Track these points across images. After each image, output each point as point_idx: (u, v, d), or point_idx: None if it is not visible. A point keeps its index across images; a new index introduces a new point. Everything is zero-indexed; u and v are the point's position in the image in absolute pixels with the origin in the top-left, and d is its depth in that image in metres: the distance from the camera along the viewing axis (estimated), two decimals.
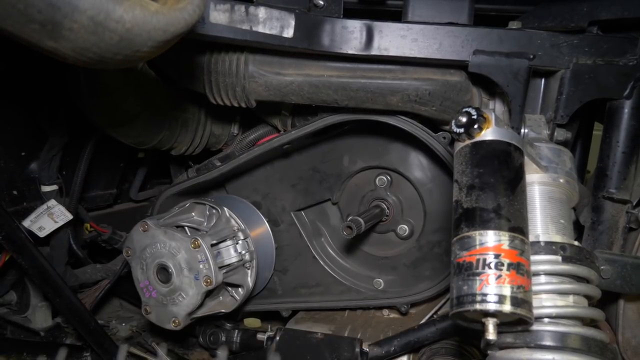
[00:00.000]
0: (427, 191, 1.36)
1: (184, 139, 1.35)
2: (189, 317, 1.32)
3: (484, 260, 0.69)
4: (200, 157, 1.53)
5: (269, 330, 1.31)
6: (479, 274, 0.68)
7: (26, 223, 1.21)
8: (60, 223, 1.24)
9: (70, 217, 1.27)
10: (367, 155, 1.39)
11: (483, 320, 0.70)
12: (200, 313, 1.35)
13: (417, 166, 1.34)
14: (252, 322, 1.77)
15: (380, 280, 1.45)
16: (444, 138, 1.16)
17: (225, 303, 1.42)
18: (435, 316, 1.37)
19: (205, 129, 1.38)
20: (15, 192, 1.25)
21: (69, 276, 1.43)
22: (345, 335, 1.37)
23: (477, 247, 0.70)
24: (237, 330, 1.57)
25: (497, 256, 0.68)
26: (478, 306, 0.67)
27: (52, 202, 1.25)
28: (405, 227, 1.41)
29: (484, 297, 0.67)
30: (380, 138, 1.35)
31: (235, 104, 1.13)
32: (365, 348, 1.18)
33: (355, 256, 1.50)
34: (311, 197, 1.46)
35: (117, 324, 1.59)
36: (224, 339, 1.55)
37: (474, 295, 0.67)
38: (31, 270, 1.09)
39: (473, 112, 0.78)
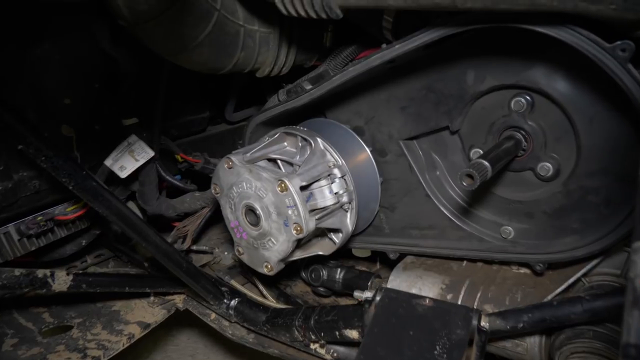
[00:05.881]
0: (585, 120, 0.98)
1: (266, 58, 1.12)
2: (282, 263, 1.19)
3: None
4: (295, 75, 1.30)
5: (369, 285, 1.14)
6: None
7: (108, 162, 1.13)
8: (142, 161, 1.15)
9: (151, 154, 1.17)
10: (501, 71, 1.03)
11: None
12: (296, 256, 1.22)
13: (573, 86, 0.97)
14: (361, 252, 1.63)
15: (510, 229, 1.16)
16: (623, 51, 0.77)
17: (323, 245, 1.27)
18: (582, 281, 1.07)
19: (291, 45, 1.13)
20: (97, 127, 1.16)
21: (165, 208, 1.38)
22: (462, 291, 1.15)
23: None
24: (339, 268, 1.44)
25: None
26: None
27: (133, 138, 1.14)
28: (549, 165, 1.07)
29: None
30: (519, 48, 0.98)
31: (314, 15, 0.85)
32: (485, 323, 0.95)
33: (479, 197, 1.21)
34: (424, 123, 1.17)
35: (220, 252, 1.56)
36: (325, 277, 1.44)
37: None
38: (111, 218, 1.02)
39: None
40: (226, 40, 0.99)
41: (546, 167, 1.08)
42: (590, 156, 1.01)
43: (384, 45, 1.03)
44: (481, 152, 1.14)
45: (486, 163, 0.92)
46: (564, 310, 0.93)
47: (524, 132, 1.07)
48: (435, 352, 0.87)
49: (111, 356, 1.30)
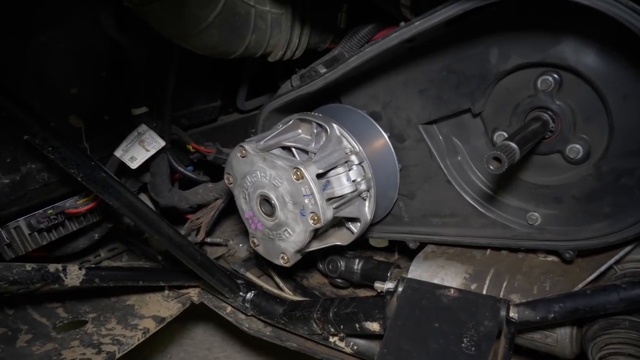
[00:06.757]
0: (618, 98, 0.92)
1: (278, 41, 1.07)
2: (298, 254, 1.16)
3: None
4: (308, 60, 1.25)
5: (389, 275, 1.10)
6: None
7: (118, 153, 1.10)
8: (152, 151, 1.11)
9: (162, 143, 1.13)
10: (527, 47, 0.97)
11: None
12: (313, 247, 1.19)
13: (606, 61, 0.91)
14: (378, 242, 1.58)
15: (537, 215, 1.11)
16: None
17: (341, 235, 1.23)
18: (614, 269, 1.02)
19: (304, 27, 1.09)
20: (106, 118, 1.13)
21: (178, 200, 1.35)
22: (487, 280, 1.10)
23: None
24: (357, 259, 1.39)
25: None
26: None
27: (143, 128, 1.11)
28: (578, 146, 1.01)
29: None
30: (547, 21, 0.93)
31: None
32: (514, 314, 0.90)
33: (503, 182, 1.15)
34: (445, 106, 1.12)
35: (235, 244, 1.52)
36: (343, 268, 1.40)
37: None
38: (122, 210, 0.99)
39: None
40: (237, 21, 0.94)
41: (575, 149, 1.02)
42: (623, 136, 0.95)
43: (402, 24, 0.98)
44: (505, 135, 1.09)
45: (514, 145, 0.87)
46: (599, 299, 0.88)
47: (551, 113, 1.02)
48: (463, 345, 0.83)
49: (126, 351, 1.28)
